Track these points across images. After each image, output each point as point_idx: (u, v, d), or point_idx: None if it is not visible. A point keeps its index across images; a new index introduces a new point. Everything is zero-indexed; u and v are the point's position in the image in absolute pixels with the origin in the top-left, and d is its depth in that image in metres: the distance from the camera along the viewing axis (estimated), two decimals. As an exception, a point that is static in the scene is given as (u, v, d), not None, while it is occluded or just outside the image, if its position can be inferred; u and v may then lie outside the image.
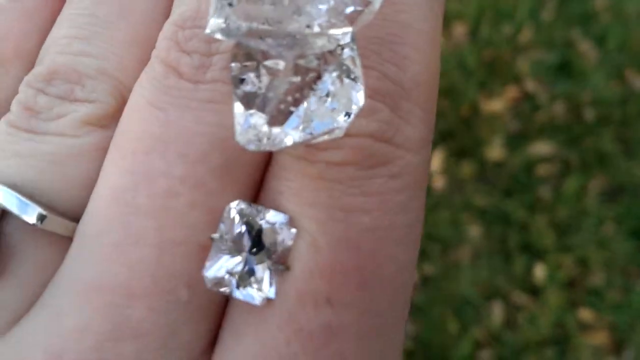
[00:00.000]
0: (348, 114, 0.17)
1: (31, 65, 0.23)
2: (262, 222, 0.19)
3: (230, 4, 0.16)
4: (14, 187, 0.19)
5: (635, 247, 1.34)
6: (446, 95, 1.58)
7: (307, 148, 0.19)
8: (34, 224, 0.19)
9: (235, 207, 0.19)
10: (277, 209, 0.19)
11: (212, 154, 0.19)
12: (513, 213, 1.39)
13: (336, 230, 0.19)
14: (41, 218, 0.18)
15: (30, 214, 0.18)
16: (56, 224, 0.19)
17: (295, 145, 0.18)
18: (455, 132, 1.52)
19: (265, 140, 0.17)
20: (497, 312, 1.27)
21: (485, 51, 1.68)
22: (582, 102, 1.58)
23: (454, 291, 1.30)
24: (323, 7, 0.17)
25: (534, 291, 1.30)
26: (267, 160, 0.20)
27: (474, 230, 1.38)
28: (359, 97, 0.17)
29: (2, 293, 0.19)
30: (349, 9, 0.17)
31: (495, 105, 1.58)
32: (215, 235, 0.19)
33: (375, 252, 0.19)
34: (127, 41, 0.22)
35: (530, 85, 1.62)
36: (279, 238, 0.19)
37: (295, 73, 0.17)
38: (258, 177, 0.20)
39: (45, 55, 0.22)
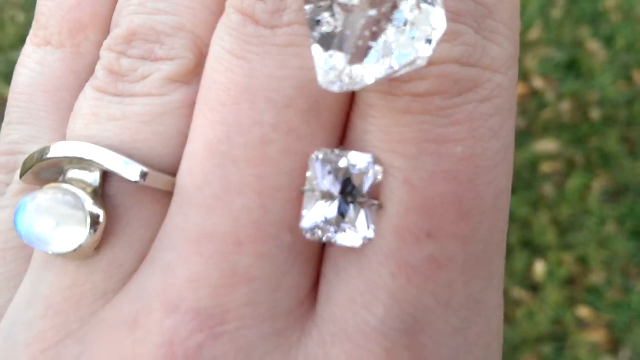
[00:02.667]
0: (429, 41, 0.17)
1: (107, 28, 0.23)
2: (347, 165, 0.19)
3: None
4: (112, 149, 0.20)
5: (636, 248, 1.35)
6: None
7: (391, 82, 0.19)
8: (136, 182, 0.19)
9: (317, 155, 0.19)
10: (365, 148, 0.19)
11: (299, 98, 0.19)
12: (516, 209, 1.39)
13: (429, 164, 0.19)
14: (143, 175, 0.19)
15: (133, 172, 0.19)
16: (157, 179, 0.20)
17: (378, 81, 0.17)
18: (461, 127, 1.52)
19: (347, 80, 0.17)
20: (496, 307, 1.28)
21: (493, 47, 1.68)
22: (588, 102, 1.58)
23: (454, 285, 1.31)
24: None
25: (534, 287, 1.31)
26: (352, 99, 0.20)
27: (476, 225, 1.38)
28: (440, 22, 0.17)
29: (114, 252, 0.20)
30: None
31: (502, 101, 1.58)
32: (305, 188, 0.19)
33: (473, 181, 0.19)
34: None
35: (538, 82, 1.62)
36: (366, 177, 0.19)
37: (371, 5, 0.17)
38: (345, 117, 0.20)
39: (120, 17, 0.22)
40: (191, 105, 0.21)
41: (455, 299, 0.19)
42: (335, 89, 0.17)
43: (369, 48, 0.17)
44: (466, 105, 0.19)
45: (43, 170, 0.20)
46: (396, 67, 0.17)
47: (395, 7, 0.17)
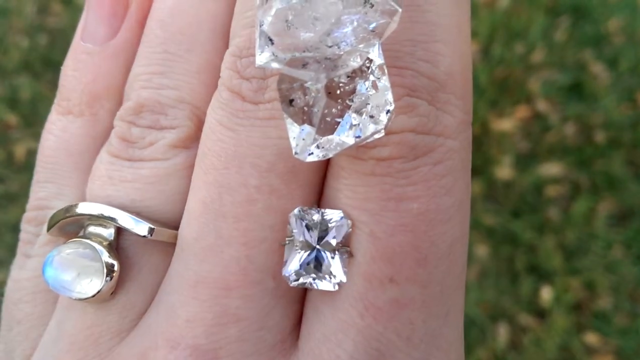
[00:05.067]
0: (388, 112, 0.20)
1: (119, 97, 0.27)
2: (320, 220, 0.22)
3: (271, 42, 0.19)
4: (124, 208, 0.24)
5: (643, 272, 1.34)
6: (456, 112, 1.57)
7: (358, 148, 0.22)
8: (145, 236, 0.23)
9: (295, 213, 0.23)
10: (337, 205, 0.23)
11: (279, 163, 0.23)
12: (521, 234, 1.38)
13: (390, 219, 0.22)
14: (151, 231, 0.23)
15: (142, 229, 0.23)
16: (162, 234, 0.24)
17: (345, 151, 0.20)
18: (465, 150, 1.52)
19: (318, 151, 0.20)
20: (502, 334, 1.26)
21: (497, 70, 1.68)
22: (592, 124, 1.57)
23: (459, 311, 1.29)
24: (348, 29, 0.19)
25: (540, 313, 1.30)
26: (326, 162, 0.24)
27: (482, 250, 1.37)
28: (391, 99, 0.20)
29: (127, 296, 0.24)
30: (372, 25, 0.19)
31: (506, 124, 1.58)
32: (285, 242, 0.23)
33: (427, 232, 0.22)
34: (196, 70, 0.25)
35: (542, 105, 1.62)
36: (337, 230, 0.22)
37: (335, 89, 0.20)
38: (320, 177, 0.24)
39: (130, 90, 0.26)
40: (191, 167, 0.25)
41: (416, 335, 0.23)
42: (310, 158, 0.20)
43: (337, 123, 0.20)
44: (421, 167, 0.22)
45: (67, 225, 0.25)
46: (360, 138, 0.20)
47: (354, 90, 0.20)
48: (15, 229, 1.45)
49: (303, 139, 0.20)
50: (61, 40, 1.86)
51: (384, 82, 0.20)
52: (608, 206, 1.44)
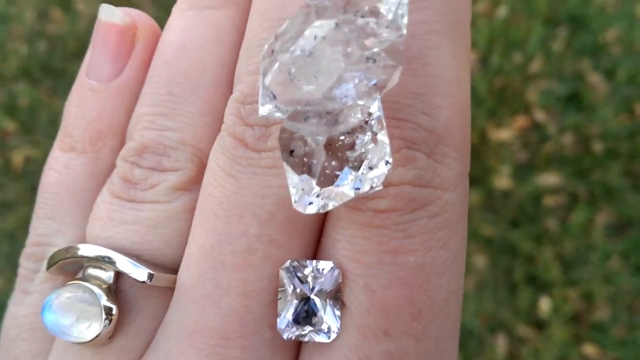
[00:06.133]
0: (384, 168, 0.20)
1: (122, 136, 0.27)
2: (313, 272, 0.22)
3: (274, 96, 0.20)
4: (124, 250, 0.24)
5: (641, 283, 1.34)
6: (455, 122, 1.58)
7: (357, 199, 0.22)
8: (144, 282, 0.23)
9: (286, 267, 0.23)
10: (334, 255, 0.23)
11: (279, 213, 0.23)
12: (519, 244, 1.39)
13: (386, 272, 0.22)
14: (150, 277, 0.23)
15: (141, 274, 0.23)
16: (161, 279, 0.23)
17: (345, 203, 0.21)
18: (463, 160, 1.52)
19: (318, 200, 0.20)
20: (500, 345, 1.26)
21: (495, 80, 1.68)
22: (590, 135, 1.58)
23: (457, 321, 1.29)
24: (350, 85, 0.20)
25: (539, 324, 1.30)
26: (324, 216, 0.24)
27: (480, 260, 1.37)
28: (389, 152, 0.20)
29: (125, 340, 0.24)
30: (373, 81, 0.20)
31: (504, 134, 1.58)
32: (278, 297, 0.23)
33: (423, 286, 0.22)
34: (200, 113, 0.25)
35: (540, 115, 1.62)
36: (329, 281, 0.22)
37: (335, 142, 0.21)
38: (319, 226, 0.24)
39: (133, 131, 0.26)
40: (192, 210, 0.25)
41: None
42: (309, 209, 0.20)
43: (336, 175, 0.20)
44: (418, 220, 0.22)
45: (67, 265, 0.25)
46: (359, 191, 0.20)
47: (353, 144, 0.20)
48: (12, 237, 1.45)
49: (302, 189, 0.20)
50: (60, 47, 1.86)
51: (383, 135, 0.20)
52: (606, 217, 1.44)
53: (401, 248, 0.22)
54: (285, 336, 0.22)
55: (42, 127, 1.67)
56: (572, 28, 1.81)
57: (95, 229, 0.25)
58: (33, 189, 1.60)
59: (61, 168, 0.28)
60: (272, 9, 0.24)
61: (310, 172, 0.20)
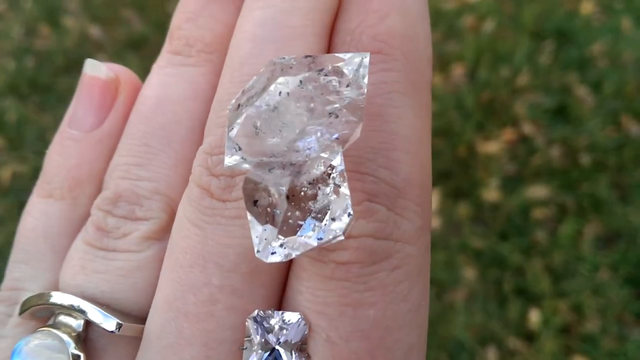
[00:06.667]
0: (346, 219, 0.21)
1: (100, 184, 0.28)
2: (279, 323, 0.23)
3: (239, 147, 0.21)
4: (94, 299, 0.24)
5: (630, 294, 1.34)
6: (443, 135, 1.58)
7: (319, 250, 0.22)
8: (112, 331, 0.23)
9: (253, 316, 0.23)
10: (297, 306, 0.23)
11: (242, 263, 0.23)
12: (508, 256, 1.39)
13: (347, 325, 0.22)
14: (118, 327, 0.23)
15: (110, 324, 0.23)
16: (129, 329, 0.24)
17: (305, 253, 0.21)
18: (452, 173, 1.53)
19: (281, 250, 0.21)
20: (491, 357, 1.26)
21: (483, 93, 1.69)
22: (578, 147, 1.59)
23: (448, 334, 1.29)
24: (312, 138, 0.21)
25: (529, 337, 1.29)
26: (289, 262, 0.24)
27: (469, 273, 1.37)
28: (350, 204, 0.21)
29: None
30: (335, 135, 0.21)
31: (492, 146, 1.59)
32: (244, 347, 0.23)
33: (383, 339, 0.22)
34: (174, 164, 0.26)
35: (527, 128, 1.63)
36: (295, 333, 0.23)
37: (297, 193, 0.21)
38: (282, 277, 0.24)
39: (109, 179, 0.27)
40: (162, 260, 0.25)
41: None
42: (271, 258, 0.21)
43: (299, 226, 0.21)
44: (379, 273, 0.22)
45: (39, 311, 0.25)
46: (322, 241, 0.21)
47: (315, 195, 0.21)
48: (0, 253, 1.44)
49: (265, 239, 0.21)
50: (48, 63, 1.86)
51: (345, 188, 0.21)
52: (594, 229, 1.44)
53: (362, 301, 0.22)
54: None
55: (30, 143, 1.66)
56: (558, 42, 1.82)
57: (67, 276, 0.26)
58: (20, 206, 1.58)
59: (39, 214, 0.28)
60: (242, 66, 0.25)
61: (273, 222, 0.21)
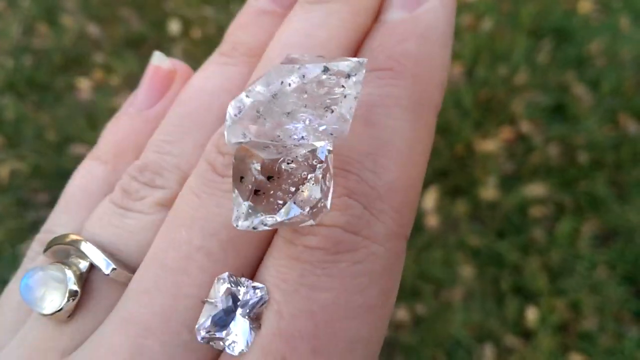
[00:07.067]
0: (320, 207, 0.22)
1: (138, 156, 0.31)
2: (242, 290, 0.24)
3: (244, 135, 0.23)
4: (102, 247, 0.28)
5: (628, 292, 1.34)
6: (441, 133, 1.58)
7: (294, 232, 0.25)
8: (107, 274, 0.27)
9: (223, 277, 0.25)
10: (264, 279, 0.25)
11: (223, 231, 0.25)
12: (506, 254, 1.39)
13: (298, 302, 0.24)
14: (112, 270, 0.26)
15: (107, 267, 0.27)
16: (121, 275, 0.27)
17: (281, 228, 0.24)
18: (450, 171, 1.53)
19: (252, 222, 0.23)
20: (488, 355, 1.26)
21: (481, 91, 1.70)
22: (576, 145, 1.59)
23: (445, 332, 1.29)
24: (300, 124, 0.23)
25: (526, 334, 1.30)
26: (268, 242, 0.26)
27: (467, 271, 1.37)
28: (329, 196, 0.23)
29: (81, 323, 0.27)
30: (322, 127, 0.23)
31: (490, 145, 1.59)
32: (207, 299, 0.25)
33: (330, 324, 0.24)
34: (198, 145, 0.29)
35: (525, 126, 1.63)
36: (253, 302, 0.24)
37: (282, 174, 0.23)
38: (259, 253, 0.26)
39: (144, 152, 0.30)
40: None
41: None
42: (241, 225, 0.23)
43: (278, 205, 0.23)
44: (341, 263, 0.24)
45: (59, 251, 0.29)
46: (291, 221, 0.23)
47: (299, 181, 0.23)
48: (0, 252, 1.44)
49: (243, 212, 0.23)
50: (46, 62, 1.86)
51: (328, 180, 0.23)
52: (592, 227, 1.45)
53: (318, 284, 0.24)
54: (198, 337, 0.24)
55: (28, 141, 1.66)
56: (556, 40, 1.83)
57: (87, 224, 0.29)
58: (19, 203, 1.58)
59: (84, 172, 0.33)
60: (268, 66, 0.28)
61: (254, 198, 0.23)
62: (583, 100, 1.68)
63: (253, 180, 0.23)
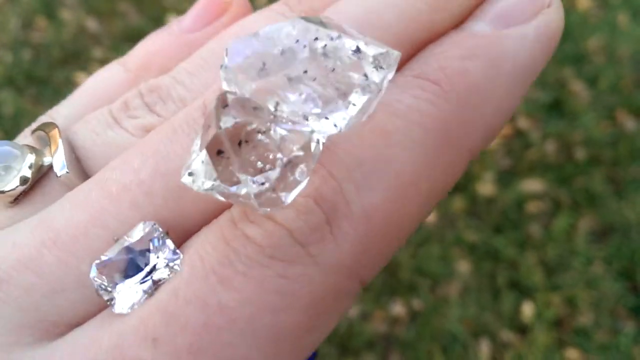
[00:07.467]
0: (279, 202, 0.19)
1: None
2: (160, 251, 0.22)
3: (236, 80, 0.20)
4: (75, 147, 0.26)
5: (623, 288, 1.35)
6: (439, 129, 1.58)
7: (242, 214, 0.22)
8: (59, 176, 0.25)
9: (145, 224, 0.22)
10: (187, 249, 0.22)
11: (174, 176, 0.23)
12: (503, 250, 1.39)
13: (200, 291, 0.21)
14: (63, 175, 0.25)
15: (61, 169, 0.25)
16: (73, 181, 0.25)
17: (235, 205, 0.21)
18: (447, 167, 1.53)
19: (195, 180, 0.19)
20: (484, 350, 1.27)
21: (478, 87, 1.70)
22: (573, 142, 1.59)
23: (442, 327, 1.29)
24: (300, 96, 0.20)
25: (522, 329, 1.30)
26: (216, 214, 0.23)
27: (464, 266, 1.38)
28: (295, 193, 0.19)
29: (19, 211, 0.25)
30: (316, 109, 0.20)
31: (488, 141, 1.59)
32: (119, 238, 0.22)
33: (221, 331, 0.21)
34: (210, 83, 0.27)
35: (523, 122, 1.64)
36: (161, 268, 0.22)
37: (261, 152, 0.20)
38: (200, 221, 0.23)
39: (165, 74, 0.29)
40: None
41: None
42: (183, 179, 0.20)
43: (236, 176, 0.19)
44: (268, 269, 0.21)
45: (41, 138, 0.28)
46: (231, 198, 0.19)
47: (271, 162, 0.19)
48: None
49: (195, 168, 0.19)
50: (45, 56, 1.86)
51: (302, 173, 0.19)
52: (588, 223, 1.45)
53: (231, 280, 0.21)
54: (90, 275, 0.22)
55: (26, 135, 1.66)
56: (554, 37, 1.83)
57: (77, 123, 0.28)
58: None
59: (107, 74, 0.32)
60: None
61: (214, 158, 0.19)
62: (581, 96, 1.69)
63: (219, 139, 0.19)
